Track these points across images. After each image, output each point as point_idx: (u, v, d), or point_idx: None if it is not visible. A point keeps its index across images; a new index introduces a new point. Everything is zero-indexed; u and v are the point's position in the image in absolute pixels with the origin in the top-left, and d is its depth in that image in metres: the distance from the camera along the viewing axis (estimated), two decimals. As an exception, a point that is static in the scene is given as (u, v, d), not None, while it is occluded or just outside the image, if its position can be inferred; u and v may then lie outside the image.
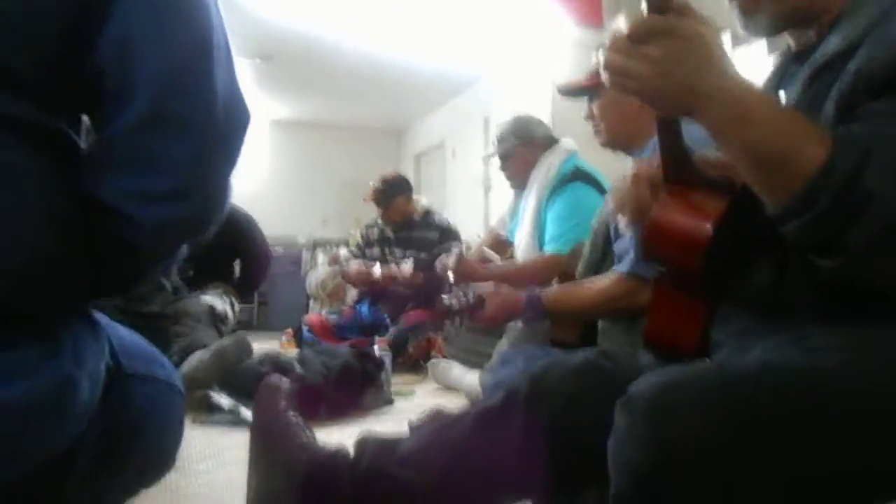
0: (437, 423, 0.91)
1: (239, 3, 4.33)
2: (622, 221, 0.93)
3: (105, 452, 0.74)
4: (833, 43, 0.76)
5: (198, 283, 3.20)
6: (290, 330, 3.55)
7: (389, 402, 2.41)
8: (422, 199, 3.78)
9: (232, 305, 3.11)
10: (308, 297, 5.37)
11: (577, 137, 2.58)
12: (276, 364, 2.27)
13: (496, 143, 2.69)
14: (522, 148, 2.59)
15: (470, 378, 2.49)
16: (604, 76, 0.69)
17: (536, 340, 1.76)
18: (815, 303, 0.72)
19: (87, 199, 0.68)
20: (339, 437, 1.03)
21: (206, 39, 0.69)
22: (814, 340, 0.69)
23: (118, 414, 0.75)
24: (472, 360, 2.57)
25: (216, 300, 2.95)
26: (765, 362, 0.68)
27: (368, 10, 4.54)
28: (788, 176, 0.64)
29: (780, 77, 0.89)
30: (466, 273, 2.25)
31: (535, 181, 2.52)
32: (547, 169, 2.50)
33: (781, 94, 0.84)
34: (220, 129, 0.69)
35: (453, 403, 1.93)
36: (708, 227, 0.72)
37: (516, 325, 1.91)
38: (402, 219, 3.61)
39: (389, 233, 3.68)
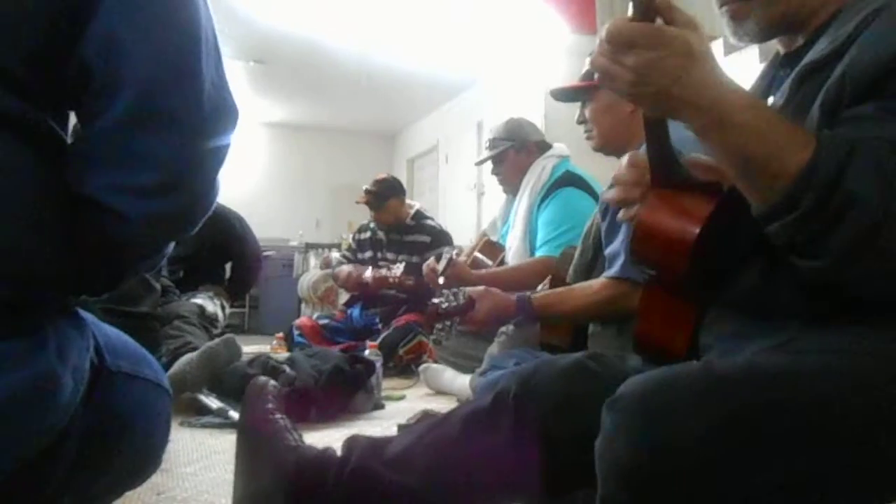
0: (425, 424, 0.91)
1: (233, 6, 4.34)
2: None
3: (89, 451, 0.73)
4: (821, 47, 0.77)
5: (188, 284, 3.18)
6: (281, 334, 3.53)
7: (380, 406, 2.40)
8: (415, 204, 3.78)
9: (222, 307, 3.10)
10: (300, 301, 5.35)
11: (570, 144, 2.59)
12: (266, 366, 2.25)
13: (489, 145, 2.69)
14: (515, 152, 2.60)
15: (461, 382, 2.48)
16: (597, 75, 0.70)
17: (527, 344, 1.76)
18: (803, 305, 0.72)
19: (73, 194, 0.67)
20: (328, 440, 1.03)
21: (192, 34, 0.68)
22: (800, 342, 0.70)
23: (102, 412, 0.74)
24: (463, 364, 2.57)
25: (207, 302, 2.94)
26: (751, 363, 0.68)
27: (362, 13, 4.55)
28: (772, 177, 0.64)
29: (769, 82, 0.89)
30: (457, 276, 2.25)
31: (527, 185, 2.52)
32: (539, 173, 2.51)
33: (770, 99, 0.84)
34: (207, 123, 0.69)
35: (444, 407, 1.92)
36: (694, 229, 0.73)
37: (507, 329, 1.91)
38: (394, 221, 3.60)
39: (381, 236, 3.67)
